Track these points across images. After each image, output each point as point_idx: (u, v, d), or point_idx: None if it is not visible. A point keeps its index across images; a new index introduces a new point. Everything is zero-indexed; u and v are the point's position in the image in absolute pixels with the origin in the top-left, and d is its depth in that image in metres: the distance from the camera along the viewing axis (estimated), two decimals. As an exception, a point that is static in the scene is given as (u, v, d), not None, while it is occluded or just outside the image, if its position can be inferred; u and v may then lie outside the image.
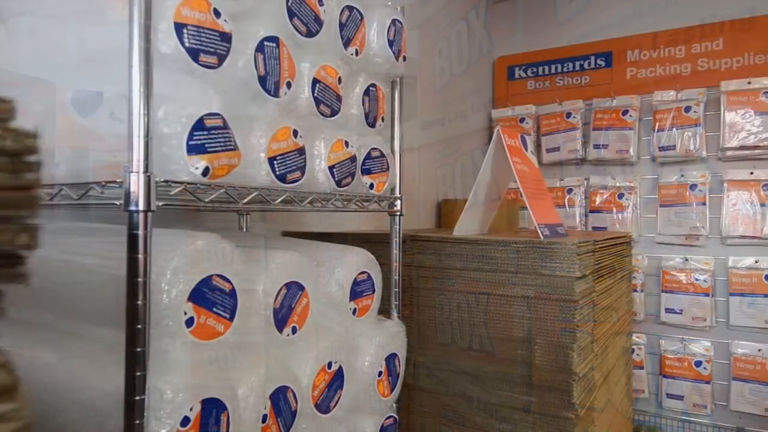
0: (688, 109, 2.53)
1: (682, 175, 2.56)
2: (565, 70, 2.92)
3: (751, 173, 2.43)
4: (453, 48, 2.75)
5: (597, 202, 2.74)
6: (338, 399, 0.98)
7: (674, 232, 2.56)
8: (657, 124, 2.59)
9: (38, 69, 0.83)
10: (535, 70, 3.01)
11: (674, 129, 2.55)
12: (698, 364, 2.42)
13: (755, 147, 2.40)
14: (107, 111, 0.76)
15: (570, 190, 2.80)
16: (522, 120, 2.94)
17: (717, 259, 2.49)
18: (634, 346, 2.49)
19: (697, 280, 2.47)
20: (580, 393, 1.21)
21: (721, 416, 2.43)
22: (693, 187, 2.52)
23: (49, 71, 0.82)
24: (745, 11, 2.49)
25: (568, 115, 2.81)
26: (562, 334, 1.19)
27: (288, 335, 0.88)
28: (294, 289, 0.89)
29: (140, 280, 0.65)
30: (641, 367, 2.56)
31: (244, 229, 1.41)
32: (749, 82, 2.41)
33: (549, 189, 2.75)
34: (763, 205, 2.39)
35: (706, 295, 2.44)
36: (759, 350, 2.33)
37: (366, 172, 1.08)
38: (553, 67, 2.96)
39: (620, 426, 1.70)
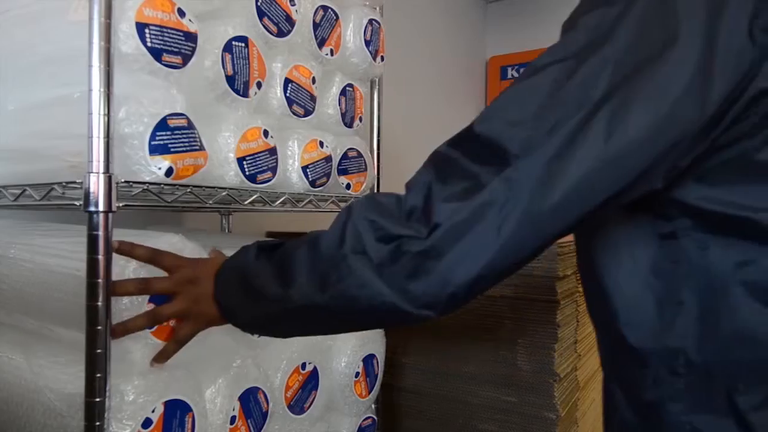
0: (679, 108, 2.51)
1: (675, 175, 2.55)
2: (557, 69, 2.91)
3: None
4: (445, 47, 2.74)
5: (589, 202, 2.73)
6: (313, 400, 0.98)
7: (666, 232, 2.54)
8: (649, 123, 2.58)
9: (5, 69, 0.83)
10: (527, 69, 3.00)
11: (666, 128, 2.54)
12: (690, 364, 2.40)
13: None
14: (73, 111, 0.75)
15: (562, 190, 2.79)
16: (515, 120, 2.93)
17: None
18: (626, 347, 2.47)
19: (689, 280, 2.46)
20: (562, 393, 1.20)
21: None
22: (685, 186, 2.50)
23: (15, 71, 0.81)
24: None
25: (561, 114, 2.79)
26: (544, 335, 1.19)
27: (259, 336, 0.87)
28: (266, 289, 0.88)
29: (100, 281, 0.65)
30: (634, 368, 2.54)
31: (227, 230, 1.40)
32: (741, 81, 2.40)
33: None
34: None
35: (699, 295, 2.42)
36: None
37: (342, 172, 1.08)
38: (545, 66, 2.94)
39: (608, 427, 1.69)
